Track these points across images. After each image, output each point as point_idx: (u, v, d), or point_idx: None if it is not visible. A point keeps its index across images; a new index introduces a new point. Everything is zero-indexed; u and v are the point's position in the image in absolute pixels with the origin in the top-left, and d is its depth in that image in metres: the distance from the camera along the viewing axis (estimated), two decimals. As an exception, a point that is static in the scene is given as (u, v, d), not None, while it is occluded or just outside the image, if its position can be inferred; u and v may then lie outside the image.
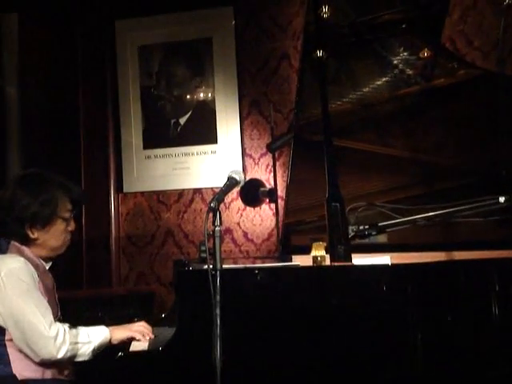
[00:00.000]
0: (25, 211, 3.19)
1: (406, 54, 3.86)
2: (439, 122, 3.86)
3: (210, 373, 2.59)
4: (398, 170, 3.86)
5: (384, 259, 3.21)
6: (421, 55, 3.87)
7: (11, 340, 3.11)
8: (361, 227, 3.36)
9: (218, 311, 2.61)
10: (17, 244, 3.23)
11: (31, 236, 3.22)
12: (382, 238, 3.54)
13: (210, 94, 5.45)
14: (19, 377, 3.12)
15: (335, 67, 3.92)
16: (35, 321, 3.05)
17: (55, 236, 3.28)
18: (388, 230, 3.43)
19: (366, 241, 3.40)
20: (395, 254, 3.36)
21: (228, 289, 2.69)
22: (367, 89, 3.93)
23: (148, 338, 3.33)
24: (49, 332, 3.05)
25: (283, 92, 5.25)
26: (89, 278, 5.44)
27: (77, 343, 3.11)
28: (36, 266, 3.20)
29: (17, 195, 3.22)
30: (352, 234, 3.31)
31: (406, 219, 3.44)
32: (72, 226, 3.35)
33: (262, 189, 4.55)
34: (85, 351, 3.14)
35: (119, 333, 3.31)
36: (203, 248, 3.04)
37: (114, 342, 3.27)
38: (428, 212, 3.44)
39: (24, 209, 3.19)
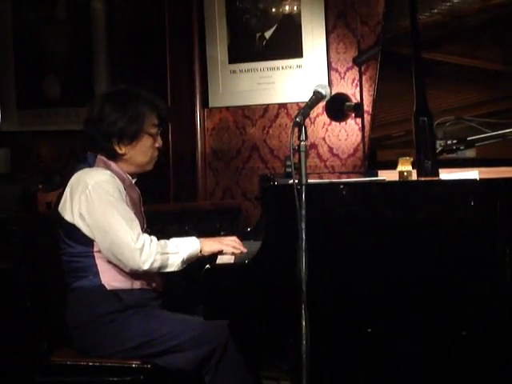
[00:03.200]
0: (112, 127, 3.24)
1: (499, -39, 3.72)
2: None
3: (295, 286, 2.62)
4: (489, 83, 3.76)
5: (472, 174, 3.15)
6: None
7: (99, 251, 3.19)
8: (449, 142, 3.30)
9: (303, 225, 2.62)
10: (103, 158, 3.29)
11: (119, 151, 3.28)
12: (470, 153, 3.47)
13: (295, 7, 5.36)
14: (108, 287, 3.22)
15: (424, -23, 3.81)
16: (122, 232, 3.12)
17: (142, 152, 3.33)
18: (477, 144, 3.36)
19: (454, 155, 3.34)
20: (484, 169, 3.29)
21: (313, 203, 2.70)
22: (457, -1, 3.81)
23: (239, 252, 3.36)
24: (136, 243, 3.11)
25: (370, 4, 5.12)
26: (175, 192, 5.51)
27: (165, 253, 3.17)
28: (122, 180, 3.27)
29: (105, 111, 3.27)
30: (440, 148, 3.25)
31: (495, 133, 3.35)
32: (159, 143, 3.39)
33: (347, 103, 4.49)
34: (173, 262, 3.20)
35: (210, 245, 3.35)
36: (289, 163, 3.03)
37: (205, 253, 3.32)
38: (519, 126, 3.36)
39: (112, 124, 3.24)
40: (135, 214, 3.27)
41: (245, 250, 3.36)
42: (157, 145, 3.38)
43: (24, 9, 6.04)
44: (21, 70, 6.10)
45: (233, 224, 4.96)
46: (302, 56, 5.32)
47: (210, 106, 5.57)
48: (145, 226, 3.42)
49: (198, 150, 5.52)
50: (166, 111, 3.45)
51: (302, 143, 2.67)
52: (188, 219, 4.94)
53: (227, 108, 5.55)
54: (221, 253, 3.35)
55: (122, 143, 3.28)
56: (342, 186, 2.96)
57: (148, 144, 3.35)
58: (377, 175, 3.81)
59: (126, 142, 3.28)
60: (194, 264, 3.30)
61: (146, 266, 3.13)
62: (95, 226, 3.17)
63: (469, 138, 3.33)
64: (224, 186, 5.56)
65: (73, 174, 3.27)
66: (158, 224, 3.57)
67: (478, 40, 3.79)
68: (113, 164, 3.30)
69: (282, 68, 5.37)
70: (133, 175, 3.38)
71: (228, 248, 3.35)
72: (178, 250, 3.22)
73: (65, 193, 3.27)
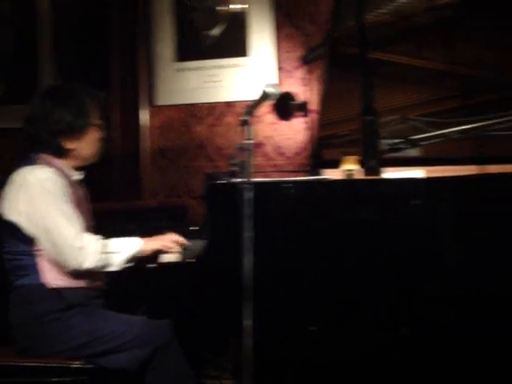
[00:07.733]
0: (59, 123, 3.22)
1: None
2: (479, 33, 3.76)
3: (239, 284, 2.62)
4: (435, 82, 3.81)
5: (417, 173, 3.18)
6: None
7: (42, 250, 3.15)
8: (394, 141, 3.33)
9: (247, 224, 2.62)
10: (45, 156, 3.25)
11: (66, 147, 3.26)
12: (415, 152, 3.50)
13: (243, 6, 5.35)
14: (50, 286, 3.19)
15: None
16: (63, 231, 3.09)
17: (90, 145, 3.33)
18: (421, 143, 3.39)
19: (400, 154, 3.37)
20: (429, 168, 3.33)
21: (258, 202, 2.70)
22: None
23: (181, 247, 3.35)
24: (76, 242, 3.08)
25: (318, 2, 5.13)
26: (120, 191, 5.46)
27: (107, 253, 3.15)
28: (65, 177, 3.23)
29: (48, 108, 3.23)
30: (386, 147, 3.27)
31: (439, 132, 3.41)
32: (103, 134, 3.38)
33: (292, 102, 4.49)
34: (115, 261, 3.18)
35: (152, 244, 3.34)
36: (234, 161, 3.03)
37: (147, 252, 3.30)
38: (463, 125, 3.40)
39: (58, 121, 3.22)
40: (81, 211, 3.24)
41: (186, 243, 3.37)
42: (101, 136, 3.37)
43: (-33, 5, 5.95)
44: (-36, 67, 6.01)
45: (179, 223, 4.93)
46: (249, 55, 5.31)
47: (156, 103, 5.54)
48: (92, 223, 3.39)
49: (143, 147, 5.48)
50: (106, 100, 3.44)
51: (248, 142, 2.67)
52: (134, 218, 4.90)
53: (174, 106, 5.52)
54: (163, 251, 3.33)
55: (70, 138, 3.25)
56: (285, 185, 2.97)
57: (96, 136, 3.34)
58: (320, 174, 3.82)
59: (74, 136, 3.26)
60: (138, 263, 3.28)
61: (86, 265, 3.11)
62: (36, 225, 3.13)
63: (413, 138, 3.36)
64: (170, 184, 5.52)
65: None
66: (102, 223, 3.52)
67: (424, 40, 3.83)
68: (56, 161, 3.26)
69: (229, 66, 5.36)
70: (79, 170, 3.35)
71: (167, 245, 3.34)
72: (120, 250, 3.20)
73: (5, 191, 3.22)
